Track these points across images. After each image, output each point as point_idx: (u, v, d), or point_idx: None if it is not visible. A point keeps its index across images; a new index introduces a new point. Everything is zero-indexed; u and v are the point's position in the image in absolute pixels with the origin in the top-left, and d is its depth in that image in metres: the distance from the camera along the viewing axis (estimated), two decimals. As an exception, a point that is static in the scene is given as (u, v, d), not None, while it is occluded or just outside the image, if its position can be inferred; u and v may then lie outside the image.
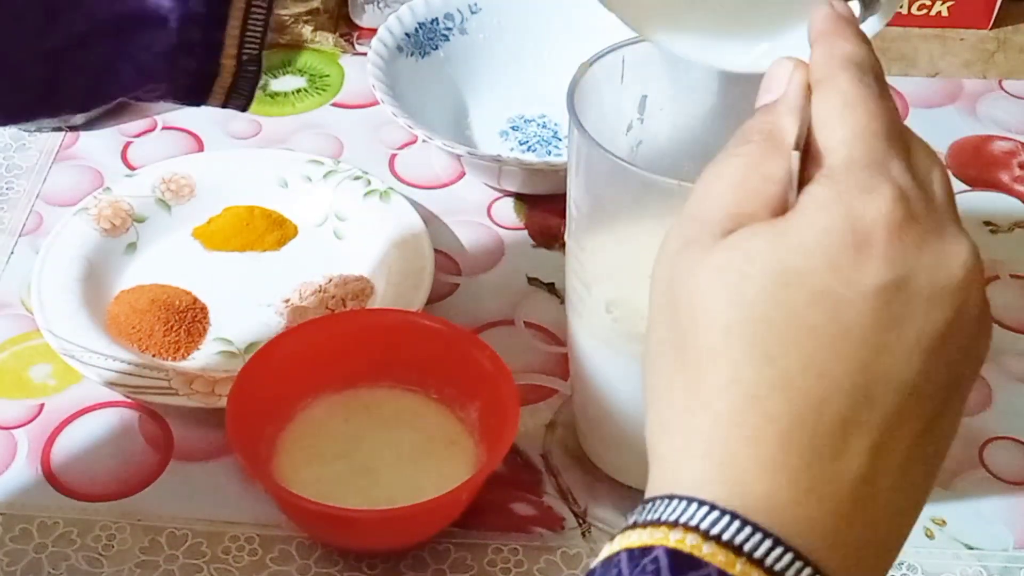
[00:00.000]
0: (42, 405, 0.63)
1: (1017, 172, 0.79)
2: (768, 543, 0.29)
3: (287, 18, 0.87)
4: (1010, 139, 0.81)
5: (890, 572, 0.57)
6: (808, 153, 0.34)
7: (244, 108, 0.49)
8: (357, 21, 0.89)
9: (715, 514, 0.30)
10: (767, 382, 0.31)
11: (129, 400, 0.62)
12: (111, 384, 0.61)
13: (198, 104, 0.48)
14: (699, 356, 0.32)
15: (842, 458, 0.31)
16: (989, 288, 0.69)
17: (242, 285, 0.69)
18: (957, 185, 0.77)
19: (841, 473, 0.31)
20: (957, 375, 0.32)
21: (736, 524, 0.30)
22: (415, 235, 0.70)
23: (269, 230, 0.72)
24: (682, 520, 0.30)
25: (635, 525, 0.31)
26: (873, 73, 0.35)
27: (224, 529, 0.57)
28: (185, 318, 0.66)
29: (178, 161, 0.75)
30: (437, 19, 0.81)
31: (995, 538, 0.58)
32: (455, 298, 0.69)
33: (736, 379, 0.31)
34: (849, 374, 0.31)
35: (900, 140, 0.33)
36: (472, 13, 0.82)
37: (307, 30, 0.87)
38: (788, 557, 0.29)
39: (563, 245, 0.72)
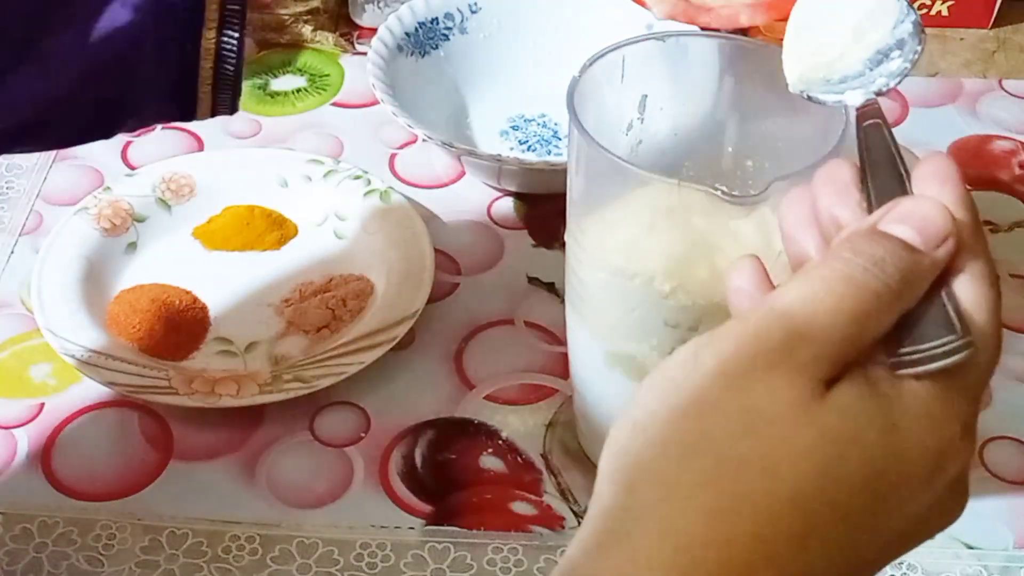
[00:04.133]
0: (42, 405, 0.63)
1: (1017, 172, 0.79)
2: None
3: (287, 18, 0.87)
4: (1010, 139, 0.81)
5: (891, 571, 0.58)
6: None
7: (234, 93, 0.49)
8: (357, 21, 0.89)
9: None
10: (804, 565, 0.31)
11: (129, 400, 0.62)
12: (111, 384, 0.61)
13: (187, 75, 0.48)
14: (749, 496, 0.31)
15: None
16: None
17: (242, 285, 0.69)
18: (957, 185, 0.77)
19: None
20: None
21: None
22: (415, 235, 0.70)
23: (269, 230, 0.72)
24: None
25: None
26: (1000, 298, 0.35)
27: (224, 528, 0.57)
28: (185, 318, 0.66)
29: (178, 161, 0.75)
30: (437, 19, 0.81)
31: (995, 537, 0.58)
32: (455, 298, 0.69)
33: (772, 559, 0.31)
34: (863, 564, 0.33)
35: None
36: (472, 13, 0.82)
37: (307, 30, 0.87)
38: None
39: (563, 245, 0.72)
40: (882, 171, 0.36)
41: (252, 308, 0.68)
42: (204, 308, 0.68)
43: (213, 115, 0.49)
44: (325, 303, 0.67)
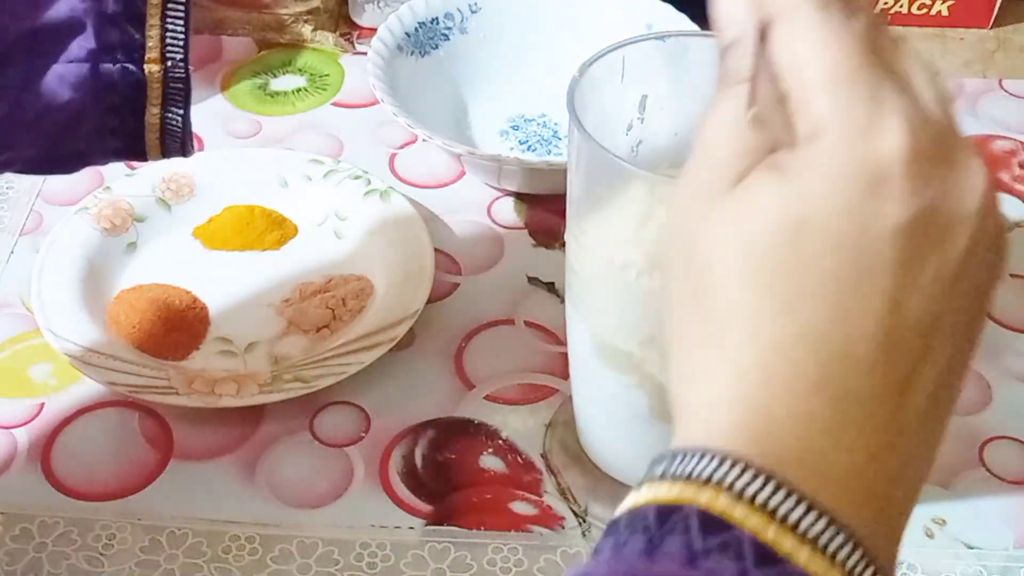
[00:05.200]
0: (42, 405, 0.63)
1: (1017, 171, 0.79)
2: (802, 508, 0.29)
3: (287, 17, 0.87)
4: (1010, 138, 0.81)
5: (890, 571, 0.57)
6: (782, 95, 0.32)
7: (183, 145, 0.49)
8: (357, 20, 0.89)
9: (748, 475, 0.29)
10: (791, 333, 0.30)
11: (129, 400, 0.62)
12: (111, 384, 0.61)
13: (134, 135, 0.48)
14: (719, 308, 0.31)
15: (869, 405, 0.30)
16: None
17: (242, 285, 0.69)
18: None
19: (869, 420, 0.30)
20: (977, 302, 0.32)
21: (770, 486, 0.29)
22: (415, 235, 0.70)
23: (269, 230, 0.72)
24: (715, 478, 0.29)
25: (663, 476, 0.30)
26: None
27: (224, 528, 0.57)
28: (185, 318, 0.66)
29: (178, 160, 0.75)
30: (437, 18, 0.81)
31: (995, 537, 0.58)
32: (455, 298, 0.69)
33: (759, 332, 0.30)
34: (874, 318, 0.30)
35: (886, 61, 0.31)
36: (472, 12, 0.82)
37: (307, 29, 0.87)
38: (822, 523, 0.29)
39: (563, 244, 0.72)
40: None
41: (252, 308, 0.68)
42: (204, 308, 0.68)
43: (162, 137, 0.50)
44: (325, 303, 0.67)
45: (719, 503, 0.29)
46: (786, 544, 0.28)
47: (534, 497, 0.59)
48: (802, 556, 0.28)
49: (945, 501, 0.59)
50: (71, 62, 0.45)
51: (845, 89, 0.30)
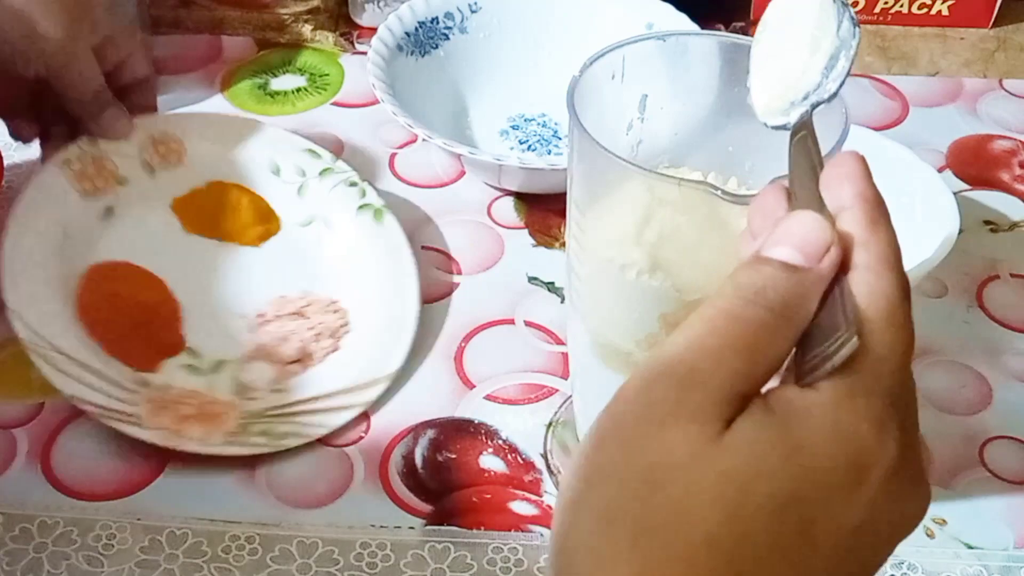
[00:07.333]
0: (42, 405, 0.63)
1: (1017, 171, 0.79)
2: None
3: (287, 17, 0.87)
4: (1010, 138, 0.81)
5: (890, 571, 0.58)
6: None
7: None
8: (357, 20, 0.89)
9: None
10: None
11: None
12: (76, 398, 0.59)
13: None
14: (669, 551, 0.31)
15: None
16: (989, 287, 0.70)
17: (218, 284, 0.68)
18: (957, 184, 0.77)
19: None
20: None
21: None
22: (403, 272, 0.67)
23: (253, 223, 0.71)
24: None
25: None
26: (906, 283, 0.33)
27: (224, 528, 0.58)
28: (155, 319, 0.65)
29: (172, 119, 0.73)
30: (437, 18, 0.81)
31: (995, 537, 0.58)
32: (455, 297, 0.69)
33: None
34: None
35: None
36: (472, 12, 0.82)
37: (307, 29, 0.87)
38: None
39: (563, 245, 0.72)
40: (801, 189, 0.35)
41: (225, 316, 0.66)
42: (176, 307, 0.66)
43: None
44: (299, 337, 0.65)
45: None
46: None
47: (534, 497, 0.59)
48: None
49: (945, 501, 0.59)
50: None
51: (886, 372, 0.32)
